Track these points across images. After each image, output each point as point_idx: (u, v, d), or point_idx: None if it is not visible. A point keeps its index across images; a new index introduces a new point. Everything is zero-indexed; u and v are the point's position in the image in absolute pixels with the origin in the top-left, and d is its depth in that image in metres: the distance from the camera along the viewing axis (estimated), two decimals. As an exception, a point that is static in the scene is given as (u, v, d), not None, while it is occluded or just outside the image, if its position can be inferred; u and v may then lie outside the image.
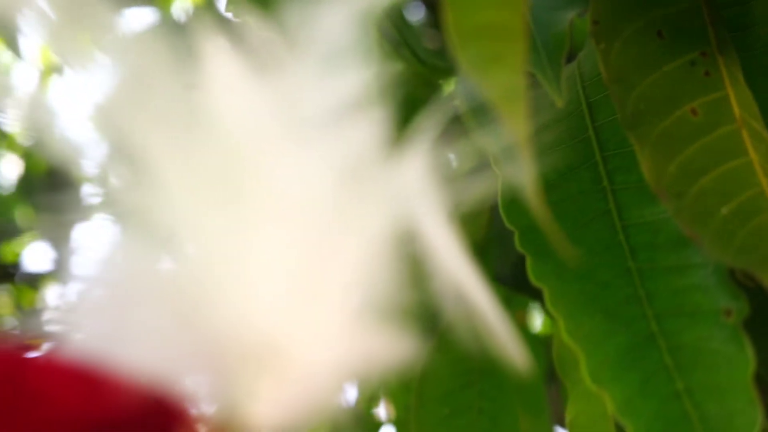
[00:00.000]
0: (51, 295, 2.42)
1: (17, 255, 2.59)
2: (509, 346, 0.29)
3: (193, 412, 0.23)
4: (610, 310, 0.43)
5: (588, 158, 0.49)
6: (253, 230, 0.23)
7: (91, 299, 0.25)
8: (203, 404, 0.23)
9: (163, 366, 0.23)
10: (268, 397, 0.23)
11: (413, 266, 0.28)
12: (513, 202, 0.48)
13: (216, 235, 0.23)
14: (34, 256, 2.55)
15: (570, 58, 0.53)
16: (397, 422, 0.97)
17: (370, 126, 0.26)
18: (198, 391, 0.23)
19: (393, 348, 0.25)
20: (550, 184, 0.48)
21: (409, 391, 0.75)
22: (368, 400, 1.04)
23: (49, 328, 0.25)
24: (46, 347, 0.24)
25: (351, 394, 1.14)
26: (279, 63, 0.27)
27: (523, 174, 0.32)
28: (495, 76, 0.33)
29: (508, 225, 0.46)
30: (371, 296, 0.25)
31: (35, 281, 2.47)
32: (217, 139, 0.24)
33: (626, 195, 0.47)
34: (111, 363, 0.22)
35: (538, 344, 0.82)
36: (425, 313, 0.29)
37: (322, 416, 0.26)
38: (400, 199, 0.26)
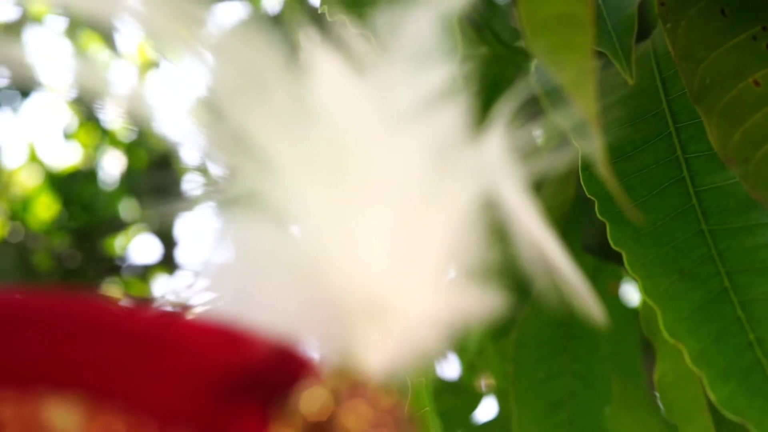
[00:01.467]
0: (159, 285, 2.50)
1: (124, 248, 2.68)
2: (589, 305, 0.33)
3: (315, 360, 0.27)
4: (685, 270, 0.47)
5: (662, 130, 0.53)
6: (359, 205, 0.28)
7: (222, 273, 0.29)
8: (323, 354, 0.28)
9: (288, 323, 0.27)
10: (376, 347, 0.27)
11: (498, 233, 0.32)
12: (592, 173, 0.51)
13: (327, 210, 0.28)
14: (141, 248, 2.63)
15: (646, 36, 0.57)
16: (497, 391, 1.01)
17: (454, 114, 0.30)
18: (317, 343, 0.28)
19: (481, 303, 0.29)
20: (627, 156, 0.52)
21: (507, 360, 0.79)
22: (469, 372, 1.08)
23: (190, 299, 0.30)
24: (190, 313, 0.28)
25: (454, 369, 1.19)
26: (373, 59, 0.31)
27: (594, 148, 0.36)
28: (565, 63, 0.37)
29: (588, 195, 0.50)
30: (461, 259, 0.29)
31: (143, 273, 2.55)
32: (323, 128, 0.29)
33: (698, 163, 0.50)
34: (244, 323, 0.27)
35: (632, 313, 0.86)
36: (515, 278, 0.33)
37: (422, 362, 0.31)
38: (482, 174, 0.30)
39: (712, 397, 0.44)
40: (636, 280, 0.47)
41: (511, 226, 0.32)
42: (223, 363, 0.26)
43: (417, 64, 0.31)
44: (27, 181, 2.75)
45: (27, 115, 2.69)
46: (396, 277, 0.28)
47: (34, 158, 2.78)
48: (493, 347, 0.85)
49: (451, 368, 1.22)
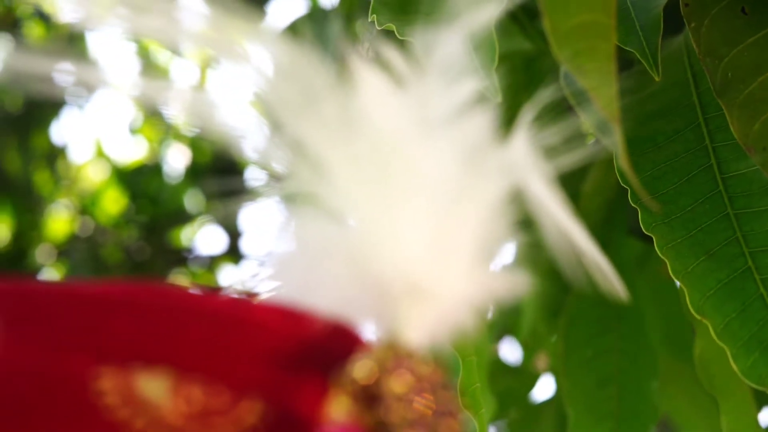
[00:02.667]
0: (225, 275, 2.55)
1: (190, 240, 2.74)
2: (613, 284, 0.37)
3: (365, 336, 0.32)
4: (712, 251, 0.51)
5: (692, 121, 0.56)
6: (401, 201, 0.32)
7: (283, 262, 0.34)
8: (372, 331, 0.32)
9: (341, 305, 0.32)
10: (417, 325, 0.32)
11: (527, 223, 0.36)
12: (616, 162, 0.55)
13: (373, 206, 0.32)
14: (207, 240, 2.70)
15: (680, 31, 0.60)
16: (553, 370, 1.05)
17: (484, 118, 0.34)
18: (367, 321, 0.32)
19: (511, 285, 0.34)
20: (659, 146, 0.56)
21: (558, 340, 0.84)
22: (527, 353, 1.12)
23: (255, 287, 0.34)
24: (256, 298, 0.33)
25: (514, 351, 1.22)
26: (412, 71, 0.36)
27: (615, 145, 0.40)
28: (588, 68, 0.41)
29: (622, 183, 0.54)
30: (493, 246, 0.34)
31: (209, 264, 2.61)
32: (369, 134, 0.33)
33: (725, 151, 0.54)
34: (304, 305, 0.31)
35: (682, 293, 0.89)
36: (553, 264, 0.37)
37: (473, 341, 0.35)
38: (511, 170, 0.34)
39: (736, 368, 0.48)
40: (665, 262, 0.51)
41: (538, 216, 0.36)
42: (287, 338, 0.30)
43: (451, 74, 0.35)
44: (95, 176, 2.83)
45: (93, 112, 2.76)
46: (434, 263, 0.32)
47: (101, 154, 2.85)
48: (546, 328, 0.89)
49: (511, 350, 1.26)
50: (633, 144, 0.57)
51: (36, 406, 0.27)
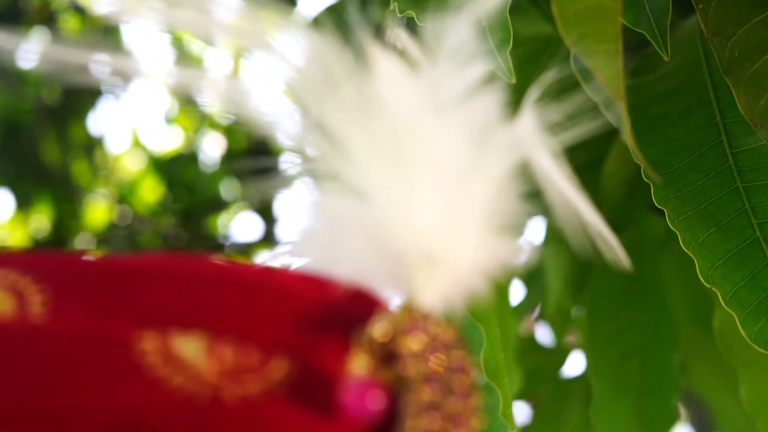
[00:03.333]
0: (261, 261, 2.59)
1: (226, 227, 2.78)
2: (617, 254, 0.40)
3: (384, 300, 0.35)
4: (721, 223, 0.53)
5: (704, 99, 0.59)
6: (415, 176, 0.35)
7: (309, 235, 0.37)
8: (390, 296, 0.35)
9: (362, 272, 0.34)
10: (432, 291, 0.35)
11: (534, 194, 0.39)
12: (640, 140, 0.58)
13: (390, 181, 0.35)
14: (242, 226, 2.73)
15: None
16: (581, 346, 1.07)
17: (493, 98, 0.37)
18: (386, 287, 0.35)
19: (519, 253, 0.36)
20: (672, 123, 0.58)
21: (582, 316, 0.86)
22: (558, 329, 1.14)
23: (284, 258, 0.37)
24: (285, 268, 0.36)
25: (545, 335, 1.25)
26: (426, 55, 0.38)
27: (620, 122, 0.43)
28: (594, 49, 0.44)
29: (635, 160, 0.56)
30: (502, 217, 0.36)
31: (245, 250, 2.65)
32: (385, 115, 0.36)
33: (735, 127, 0.57)
34: (326, 273, 0.34)
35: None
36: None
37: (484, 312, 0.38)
38: (518, 145, 0.37)
39: (744, 333, 0.51)
40: (677, 234, 0.53)
41: (546, 189, 0.39)
42: (312, 302, 0.33)
43: (462, 58, 0.38)
44: (132, 166, 2.87)
45: (129, 102, 2.81)
46: (446, 233, 0.35)
47: (137, 144, 2.89)
48: (571, 304, 0.92)
49: (546, 332, 1.28)
50: (647, 122, 0.59)
51: (84, 364, 0.30)
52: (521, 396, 1.13)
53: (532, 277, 0.97)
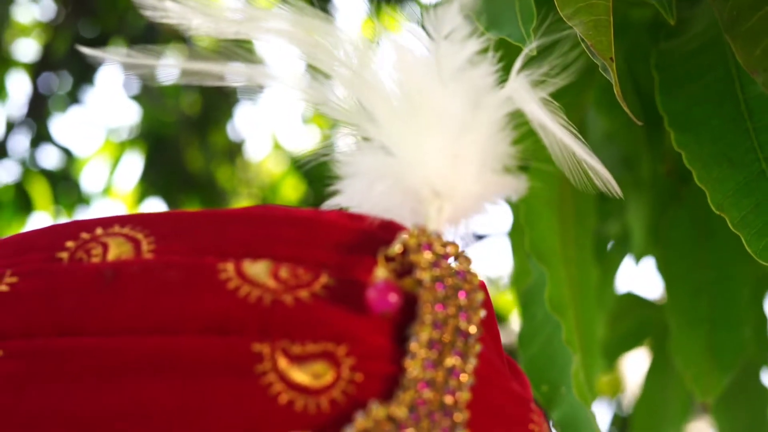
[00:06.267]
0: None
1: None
2: (612, 187, 0.50)
3: (403, 228, 0.45)
4: (733, 159, 0.63)
5: (722, 56, 0.68)
6: (425, 131, 0.47)
7: (347, 183, 0.49)
8: (408, 225, 0.46)
9: (386, 209, 0.46)
10: (441, 219, 0.46)
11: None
12: (667, 95, 0.67)
13: (406, 135, 0.46)
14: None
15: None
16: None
17: (487, 68, 0.48)
18: (404, 218, 0.46)
19: (512, 187, 0.47)
20: (693, 79, 0.68)
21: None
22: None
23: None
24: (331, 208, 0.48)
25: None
26: (432, 31, 0.50)
27: (613, 82, 0.53)
28: (587, 21, 0.54)
29: (661, 112, 0.66)
30: (496, 159, 0.47)
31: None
32: (402, 81, 0.47)
33: (747, 77, 0.66)
34: (362, 211, 0.46)
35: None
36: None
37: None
38: (510, 102, 0.48)
39: (750, 250, 0.60)
40: (692, 172, 0.63)
41: (541, 133, 0.49)
42: (350, 232, 0.44)
43: (459, 38, 0.49)
44: (273, 167, 3.02)
45: (266, 108, 2.96)
46: (451, 175, 0.46)
47: (277, 146, 3.04)
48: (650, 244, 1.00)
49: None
50: (674, 79, 0.69)
51: (181, 285, 0.42)
52: (630, 348, 1.21)
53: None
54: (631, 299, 1.19)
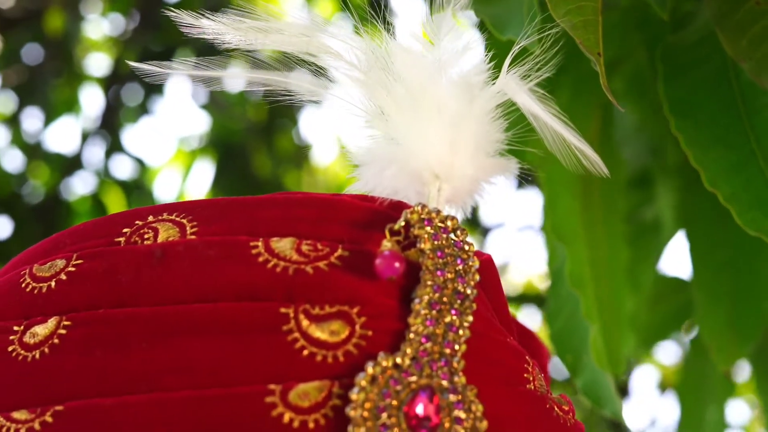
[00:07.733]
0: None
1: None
2: (598, 166, 0.57)
3: (408, 207, 0.52)
4: (726, 141, 0.69)
5: (720, 47, 0.74)
6: (426, 121, 0.54)
7: (360, 168, 0.56)
8: (412, 204, 0.53)
9: (394, 191, 0.54)
10: (441, 199, 0.53)
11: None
12: (671, 84, 0.74)
13: (408, 127, 0.54)
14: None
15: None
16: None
17: (479, 64, 0.55)
18: (409, 199, 0.54)
19: (507, 171, 0.55)
20: (694, 68, 0.75)
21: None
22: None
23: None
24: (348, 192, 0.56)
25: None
26: (432, 37, 0.57)
27: (600, 75, 0.60)
28: (577, 22, 0.60)
29: (662, 98, 0.72)
30: (490, 145, 0.54)
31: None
32: (404, 76, 0.55)
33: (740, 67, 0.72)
34: (374, 193, 0.54)
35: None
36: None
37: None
38: (503, 94, 0.55)
39: (739, 221, 0.66)
40: (689, 154, 0.69)
41: (532, 120, 0.56)
42: (363, 211, 0.52)
43: (453, 39, 0.57)
44: (341, 171, 3.08)
45: (329, 112, 3.01)
46: (449, 160, 0.54)
47: (343, 149, 3.09)
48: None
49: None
50: (678, 68, 0.76)
51: (219, 258, 0.50)
52: (672, 329, 1.27)
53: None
54: (672, 282, 1.25)
